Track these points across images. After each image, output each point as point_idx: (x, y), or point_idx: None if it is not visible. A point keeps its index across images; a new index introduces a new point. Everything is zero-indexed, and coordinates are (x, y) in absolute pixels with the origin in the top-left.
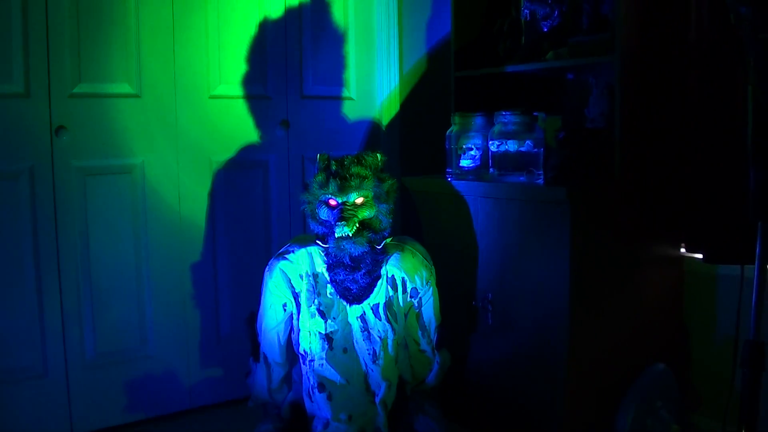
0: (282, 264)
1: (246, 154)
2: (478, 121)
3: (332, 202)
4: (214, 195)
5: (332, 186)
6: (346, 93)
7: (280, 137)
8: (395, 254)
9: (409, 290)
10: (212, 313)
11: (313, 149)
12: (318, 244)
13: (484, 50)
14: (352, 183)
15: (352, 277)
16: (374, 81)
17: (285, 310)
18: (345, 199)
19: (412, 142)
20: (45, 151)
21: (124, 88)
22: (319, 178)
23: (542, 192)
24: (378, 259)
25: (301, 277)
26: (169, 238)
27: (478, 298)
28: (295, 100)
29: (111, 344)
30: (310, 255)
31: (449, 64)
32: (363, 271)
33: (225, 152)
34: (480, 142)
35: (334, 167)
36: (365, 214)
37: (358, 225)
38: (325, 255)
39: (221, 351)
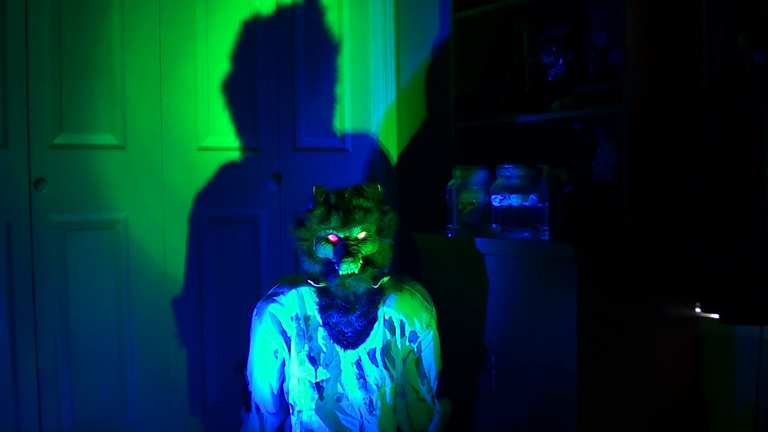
0: (272, 307)
1: (236, 208)
2: (479, 174)
3: (332, 238)
4: (202, 252)
5: (334, 220)
6: (340, 144)
7: (271, 191)
8: (392, 295)
9: (407, 334)
10: (198, 377)
11: (306, 204)
12: (309, 284)
13: (485, 100)
14: (356, 216)
15: (347, 319)
16: (370, 131)
17: (276, 357)
18: (347, 234)
19: (410, 195)
20: (23, 205)
21: (108, 138)
22: (318, 212)
23: (548, 249)
24: (374, 299)
25: (292, 320)
26: (153, 297)
27: (481, 362)
28: (288, 152)
29: (90, 412)
30: (301, 296)
31: (449, 114)
32: (358, 312)
33: (214, 207)
34: (482, 196)
35: (333, 200)
36: (368, 249)
37: (361, 261)
38: (317, 295)
39: (208, 419)
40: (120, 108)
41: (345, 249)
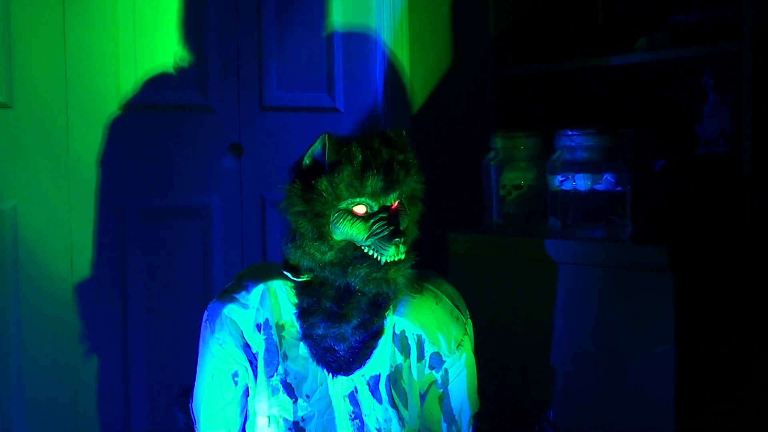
0: (230, 310)
1: (177, 196)
2: (530, 145)
3: (360, 210)
4: (126, 259)
5: (371, 183)
6: (328, 102)
7: (228, 169)
8: (407, 298)
9: (428, 357)
10: (119, 410)
11: (277, 186)
12: (286, 277)
13: (538, 37)
14: (399, 176)
15: (339, 331)
16: (371, 84)
17: (236, 383)
18: (383, 203)
19: (430, 175)
20: None
21: None
22: (346, 172)
23: (630, 253)
24: (379, 303)
25: (258, 328)
26: (53, 318)
27: (533, 414)
28: (252, 113)
29: None
30: (272, 294)
31: (486, 57)
32: (355, 321)
33: (144, 193)
34: (534, 176)
35: (360, 154)
36: (404, 224)
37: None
38: (296, 294)
39: None
40: (3, 48)
41: (394, 224)
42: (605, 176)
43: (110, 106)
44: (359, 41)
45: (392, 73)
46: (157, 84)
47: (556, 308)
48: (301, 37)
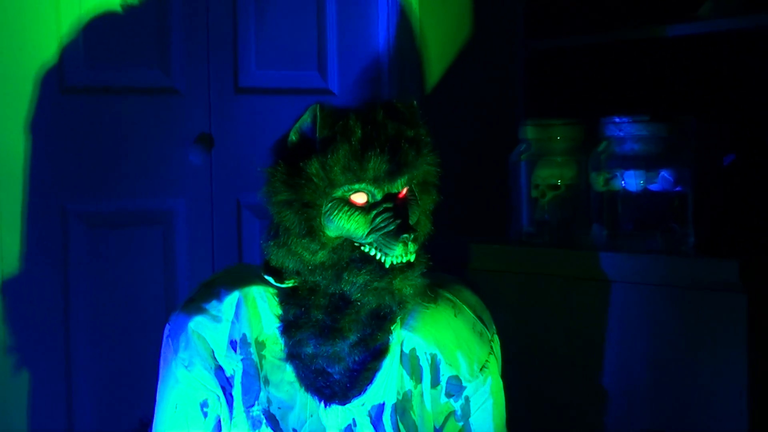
0: (197, 323)
1: (133, 198)
2: (570, 134)
3: (360, 200)
4: (70, 274)
5: (374, 166)
6: (319, 82)
7: (196, 166)
8: (419, 308)
9: (444, 382)
10: None
11: (256, 187)
12: (268, 283)
13: (577, 4)
14: (408, 157)
15: (333, 349)
16: (372, 60)
17: (206, 414)
18: (389, 190)
19: (446, 172)
20: None
21: None
22: (342, 152)
23: (694, 268)
24: (383, 314)
25: (233, 345)
26: None
27: None
28: (225, 96)
29: None
30: (251, 303)
31: (515, 27)
32: (354, 338)
33: (92, 196)
34: (573, 173)
35: (360, 130)
36: (414, 217)
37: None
38: (279, 304)
39: None
40: None
41: (401, 217)
42: (662, 173)
43: (50, 89)
44: (358, 7)
45: (399, 45)
46: (107, 61)
47: (602, 334)
48: (286, 3)
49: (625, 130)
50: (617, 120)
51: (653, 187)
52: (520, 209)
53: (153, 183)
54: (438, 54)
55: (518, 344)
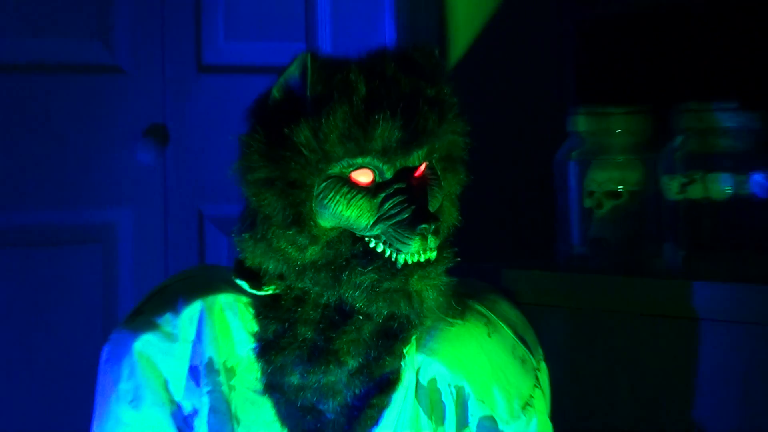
0: (145, 343)
1: (63, 208)
2: (634, 125)
3: (364, 178)
4: None
5: (383, 135)
6: None
7: (146, 167)
8: (441, 325)
9: (474, 424)
10: None
11: (224, 193)
12: (240, 290)
13: None
14: (429, 122)
15: (326, 379)
16: (376, 26)
17: None
18: (402, 164)
19: (474, 176)
20: None
21: None
22: (340, 114)
23: None
24: (393, 332)
25: (194, 374)
26: None
27: None
28: (184, 76)
29: None
30: (217, 317)
31: None
32: (354, 364)
33: (11, 205)
34: (639, 176)
35: (363, 87)
36: (436, 203)
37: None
38: (257, 317)
39: None
40: None
41: (419, 201)
42: (754, 177)
43: None
44: None
45: (413, 10)
46: (30, 30)
47: (677, 385)
48: None
49: (707, 121)
50: (696, 108)
51: (745, 193)
52: (568, 224)
53: (90, 189)
54: (467, 22)
55: (569, 395)
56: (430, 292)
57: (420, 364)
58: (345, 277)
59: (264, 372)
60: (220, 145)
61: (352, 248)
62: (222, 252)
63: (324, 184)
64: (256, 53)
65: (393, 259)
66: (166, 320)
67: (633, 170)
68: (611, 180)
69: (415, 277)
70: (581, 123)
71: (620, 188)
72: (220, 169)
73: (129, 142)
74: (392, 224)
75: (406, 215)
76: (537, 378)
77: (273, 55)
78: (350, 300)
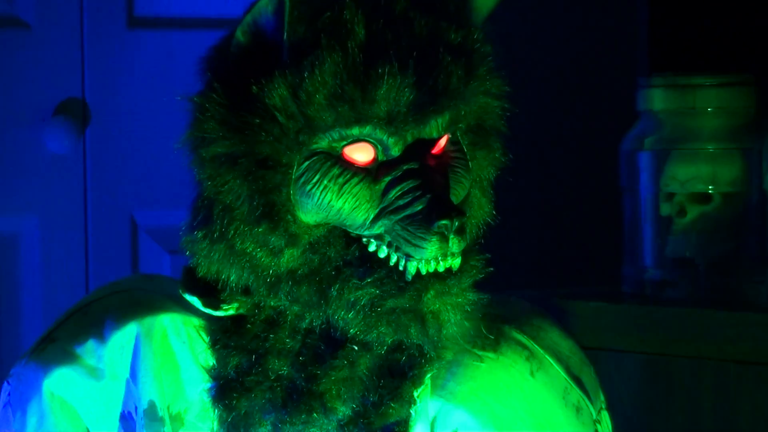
0: (59, 380)
1: None
2: (729, 101)
3: (362, 156)
4: None
5: (387, 93)
6: None
7: (60, 158)
8: (466, 359)
9: None
10: None
11: (164, 194)
12: (190, 310)
13: None
14: (452, 78)
15: (305, 431)
16: None
17: None
18: (415, 135)
19: (508, 176)
20: None
21: None
22: (329, 68)
23: None
24: (400, 368)
25: (128, 423)
26: None
27: None
28: (110, 32)
29: None
30: (162, 345)
31: None
32: (345, 411)
33: None
34: (736, 173)
35: (362, 30)
36: (462, 191)
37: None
38: (213, 346)
39: None
40: None
41: (437, 189)
42: None
43: None
44: None
45: None
46: None
47: None
48: None
49: None
50: None
51: None
52: (639, 238)
53: None
54: None
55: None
56: (452, 313)
57: (437, 413)
58: (334, 293)
59: (222, 421)
60: (159, 126)
61: (344, 252)
62: (160, 271)
63: (307, 163)
64: (204, 2)
65: (401, 268)
66: (89, 350)
67: (728, 164)
68: (699, 178)
69: (431, 293)
70: (657, 98)
71: (711, 189)
72: (160, 160)
73: (35, 123)
74: (400, 219)
75: (420, 207)
76: None
77: (228, 3)
78: (341, 324)
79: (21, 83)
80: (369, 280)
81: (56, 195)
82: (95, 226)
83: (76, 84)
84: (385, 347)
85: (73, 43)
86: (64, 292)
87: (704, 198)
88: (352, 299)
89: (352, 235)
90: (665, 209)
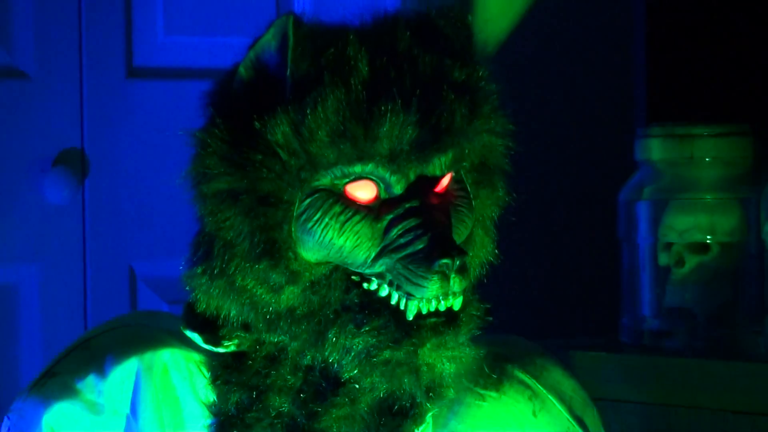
0: (59, 416)
1: None
2: (727, 151)
3: (365, 194)
4: None
5: (390, 131)
6: None
7: (59, 209)
8: (469, 398)
9: None
10: None
11: (165, 246)
12: (191, 346)
13: None
14: (456, 117)
15: None
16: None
17: None
18: (422, 173)
19: (511, 215)
20: None
21: None
22: (332, 105)
23: None
24: (401, 408)
25: None
26: None
27: None
28: (109, 82)
29: None
30: (163, 380)
31: None
32: None
33: None
34: (734, 223)
35: (365, 67)
36: (465, 230)
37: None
38: (214, 382)
39: None
40: None
41: (439, 228)
42: None
43: None
44: None
45: None
46: None
47: None
48: None
49: None
50: None
51: None
52: (638, 287)
53: None
54: (498, 10)
55: None
56: (447, 366)
57: None
58: (332, 336)
59: None
60: (158, 177)
61: (344, 297)
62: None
63: (308, 200)
64: (206, 50)
65: (401, 309)
66: (89, 385)
67: (726, 214)
68: (697, 227)
69: (428, 346)
70: (655, 148)
71: (709, 239)
72: (159, 211)
73: (34, 173)
74: (401, 258)
75: (421, 246)
76: None
77: (228, 53)
78: (336, 367)
79: (20, 133)
80: (366, 329)
81: (55, 245)
82: (94, 276)
83: (76, 134)
84: (384, 389)
85: (72, 93)
86: (63, 342)
87: (702, 248)
88: (348, 345)
89: (353, 278)
90: (663, 259)
